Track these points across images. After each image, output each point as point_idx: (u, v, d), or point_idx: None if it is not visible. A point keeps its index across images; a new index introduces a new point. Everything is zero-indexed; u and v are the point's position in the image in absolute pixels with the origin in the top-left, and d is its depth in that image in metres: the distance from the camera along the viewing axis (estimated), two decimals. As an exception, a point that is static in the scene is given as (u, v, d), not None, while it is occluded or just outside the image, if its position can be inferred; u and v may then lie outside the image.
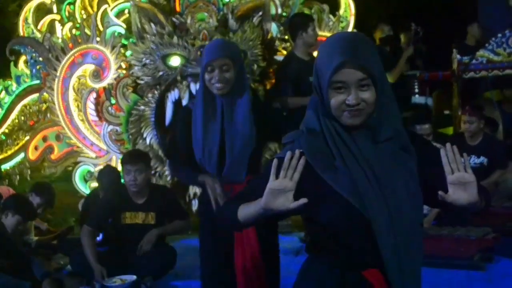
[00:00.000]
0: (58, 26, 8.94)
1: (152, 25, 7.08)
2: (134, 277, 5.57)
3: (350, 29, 9.09)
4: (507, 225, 6.67)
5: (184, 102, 6.64)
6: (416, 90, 10.65)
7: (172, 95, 6.75)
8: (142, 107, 7.12)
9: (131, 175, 5.78)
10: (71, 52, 7.57)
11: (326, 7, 8.60)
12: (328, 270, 2.56)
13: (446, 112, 10.30)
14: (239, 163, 4.04)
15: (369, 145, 2.46)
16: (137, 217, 5.94)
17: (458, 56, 9.14)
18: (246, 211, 2.54)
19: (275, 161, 2.43)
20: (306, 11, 8.55)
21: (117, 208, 5.94)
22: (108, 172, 6.91)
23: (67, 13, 8.95)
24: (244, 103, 4.04)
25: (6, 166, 8.12)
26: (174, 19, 7.15)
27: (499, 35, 9.04)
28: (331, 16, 8.63)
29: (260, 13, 7.26)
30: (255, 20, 7.23)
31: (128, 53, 7.37)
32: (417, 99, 10.41)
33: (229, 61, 3.95)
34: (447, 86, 9.90)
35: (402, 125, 2.54)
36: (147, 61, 6.98)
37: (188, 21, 7.12)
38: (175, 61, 6.90)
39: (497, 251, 6.13)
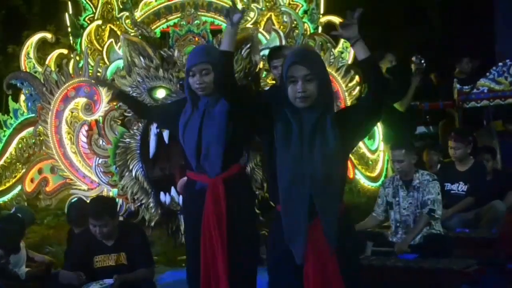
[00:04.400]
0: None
1: (141, 58, 7.07)
2: (112, 280, 5.54)
3: (350, 58, 9.04)
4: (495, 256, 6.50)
5: (165, 135, 6.59)
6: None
7: (154, 128, 6.70)
8: (128, 140, 7.06)
9: (96, 228, 5.69)
10: (64, 86, 7.59)
11: (318, 38, 8.48)
12: None
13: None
14: (213, 157, 4.47)
15: (309, 122, 3.39)
16: (109, 259, 5.83)
17: (458, 86, 9.01)
18: None
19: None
20: (311, 43, 8.49)
21: (87, 252, 5.84)
22: (75, 207, 6.86)
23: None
24: (223, 103, 4.39)
25: (4, 198, 8.09)
26: (162, 52, 7.14)
27: (500, 64, 8.92)
28: (333, 50, 8.51)
29: (249, 45, 7.18)
30: (244, 52, 7.14)
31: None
32: (420, 129, 10.29)
33: (208, 65, 4.41)
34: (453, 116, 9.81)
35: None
36: (134, 94, 6.95)
37: (176, 54, 7.09)
38: (160, 93, 6.89)
39: (483, 284, 5.96)
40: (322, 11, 9.29)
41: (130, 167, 7.04)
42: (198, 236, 4.50)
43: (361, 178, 8.28)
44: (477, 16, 13.92)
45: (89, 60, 8.01)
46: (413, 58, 9.59)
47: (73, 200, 7.38)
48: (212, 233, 4.42)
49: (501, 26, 13.13)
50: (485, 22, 13.55)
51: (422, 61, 9.58)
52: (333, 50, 8.41)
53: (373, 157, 8.50)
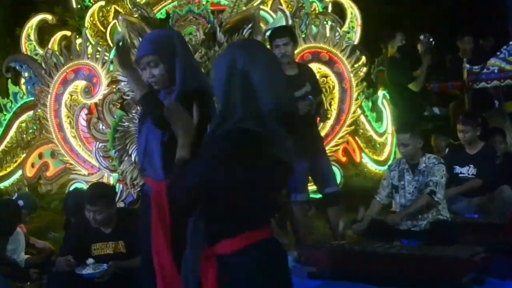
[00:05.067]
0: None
1: (140, 39, 6.83)
2: (105, 265, 5.32)
3: (357, 39, 8.80)
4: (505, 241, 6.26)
5: (163, 117, 6.38)
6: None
7: (154, 110, 6.49)
8: (127, 124, 6.95)
9: (90, 214, 5.51)
10: (63, 69, 7.46)
11: (321, 17, 8.28)
12: None
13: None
14: (154, 159, 3.91)
15: None
16: (107, 247, 5.65)
17: (468, 66, 8.73)
18: None
19: None
20: (316, 22, 8.26)
21: (85, 240, 5.65)
22: (72, 197, 6.68)
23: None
24: (170, 100, 3.78)
25: (5, 183, 7.99)
26: (161, 33, 6.92)
27: (511, 43, 8.59)
28: (339, 30, 8.28)
29: (250, 25, 6.99)
30: (245, 32, 6.98)
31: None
32: (432, 110, 10.06)
33: (155, 57, 3.82)
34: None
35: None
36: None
37: (175, 34, 6.85)
38: (159, 76, 6.66)
39: (491, 271, 5.73)
40: (330, -11, 9.07)
41: (130, 152, 6.92)
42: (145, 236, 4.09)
43: (368, 161, 8.08)
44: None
45: (91, 41, 7.88)
46: (421, 37, 9.26)
47: (70, 190, 7.22)
48: (159, 238, 3.98)
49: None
50: (498, 2, 13.20)
51: (431, 40, 9.26)
52: (338, 29, 8.16)
53: (380, 140, 8.29)
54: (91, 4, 8.98)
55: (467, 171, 7.28)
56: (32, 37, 8.79)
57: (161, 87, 3.91)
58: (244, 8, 7.39)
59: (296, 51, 7.33)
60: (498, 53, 8.64)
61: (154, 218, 3.95)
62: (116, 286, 5.51)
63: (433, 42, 9.23)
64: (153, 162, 3.91)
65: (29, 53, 8.74)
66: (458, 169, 7.32)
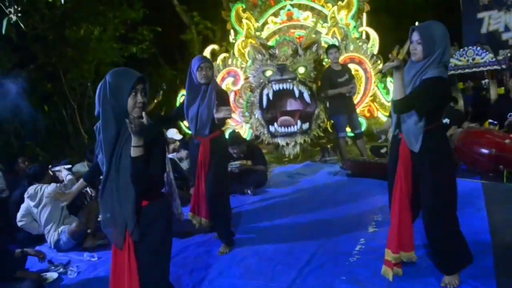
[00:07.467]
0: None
1: (259, 55, 6.88)
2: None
3: (376, 50, 8.39)
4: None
5: (270, 93, 6.40)
6: None
7: (265, 91, 6.52)
8: (253, 99, 6.93)
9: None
10: (223, 71, 7.54)
11: (357, 40, 7.91)
12: None
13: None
14: (205, 124, 3.59)
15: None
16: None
17: (437, 62, 8.20)
18: None
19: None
20: (352, 42, 7.93)
21: None
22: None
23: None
24: (211, 90, 3.58)
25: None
26: (270, 51, 6.91)
27: (461, 49, 7.99)
28: (366, 45, 7.92)
29: (316, 45, 6.83)
30: (313, 48, 6.82)
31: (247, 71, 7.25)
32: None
33: (210, 64, 3.60)
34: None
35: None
36: (255, 74, 6.80)
37: (277, 51, 6.84)
38: (268, 73, 6.65)
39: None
40: (363, 25, 8.63)
41: (254, 113, 6.93)
42: (195, 167, 3.74)
43: (380, 116, 7.78)
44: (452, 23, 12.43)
45: (237, 57, 7.93)
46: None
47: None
48: (202, 167, 3.68)
49: (465, 27, 11.65)
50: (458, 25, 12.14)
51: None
52: (365, 45, 7.85)
53: (388, 104, 7.93)
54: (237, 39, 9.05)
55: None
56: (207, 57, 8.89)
57: (206, 82, 3.59)
58: (313, 36, 7.23)
59: (341, 57, 7.14)
60: (454, 55, 8.04)
61: (202, 157, 3.69)
62: None
63: None
64: (204, 126, 3.62)
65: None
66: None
